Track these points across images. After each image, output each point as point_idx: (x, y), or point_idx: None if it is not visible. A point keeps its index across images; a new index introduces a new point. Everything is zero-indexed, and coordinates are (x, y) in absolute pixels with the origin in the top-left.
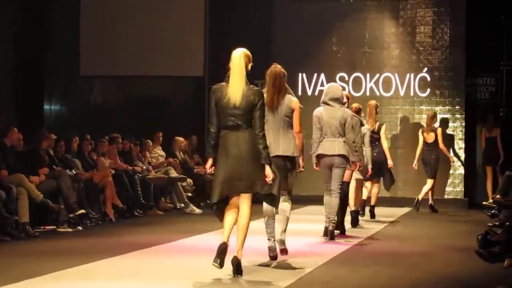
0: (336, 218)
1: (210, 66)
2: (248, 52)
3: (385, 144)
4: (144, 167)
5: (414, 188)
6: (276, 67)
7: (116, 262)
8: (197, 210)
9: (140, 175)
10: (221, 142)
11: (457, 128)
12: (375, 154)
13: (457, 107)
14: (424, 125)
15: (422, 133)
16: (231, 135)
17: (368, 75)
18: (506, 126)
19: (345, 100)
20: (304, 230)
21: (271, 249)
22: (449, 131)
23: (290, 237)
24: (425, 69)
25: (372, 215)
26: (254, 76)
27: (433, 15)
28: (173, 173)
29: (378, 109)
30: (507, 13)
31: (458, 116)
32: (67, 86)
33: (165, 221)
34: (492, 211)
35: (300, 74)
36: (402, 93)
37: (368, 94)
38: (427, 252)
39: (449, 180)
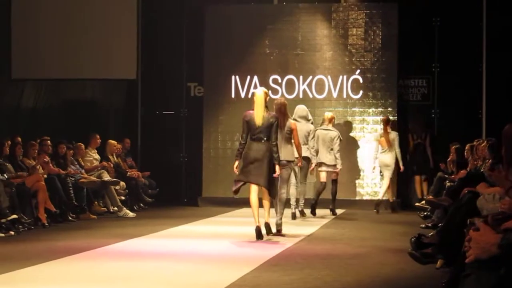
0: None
1: (143, 68)
2: (267, 91)
3: (428, 151)
4: (78, 171)
5: (349, 189)
6: (281, 99)
7: (49, 267)
8: (131, 214)
9: (73, 178)
10: (247, 147)
11: None
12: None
13: (389, 108)
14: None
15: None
16: (254, 144)
17: (301, 77)
18: (438, 127)
19: (310, 117)
20: (237, 233)
21: (277, 225)
22: None
23: (225, 240)
24: (358, 71)
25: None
26: (188, 79)
27: (365, 17)
28: (106, 177)
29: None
30: (439, 15)
31: (391, 117)
32: None
33: (99, 225)
34: (425, 213)
35: (233, 77)
36: (335, 95)
37: (301, 96)
38: (360, 254)
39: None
